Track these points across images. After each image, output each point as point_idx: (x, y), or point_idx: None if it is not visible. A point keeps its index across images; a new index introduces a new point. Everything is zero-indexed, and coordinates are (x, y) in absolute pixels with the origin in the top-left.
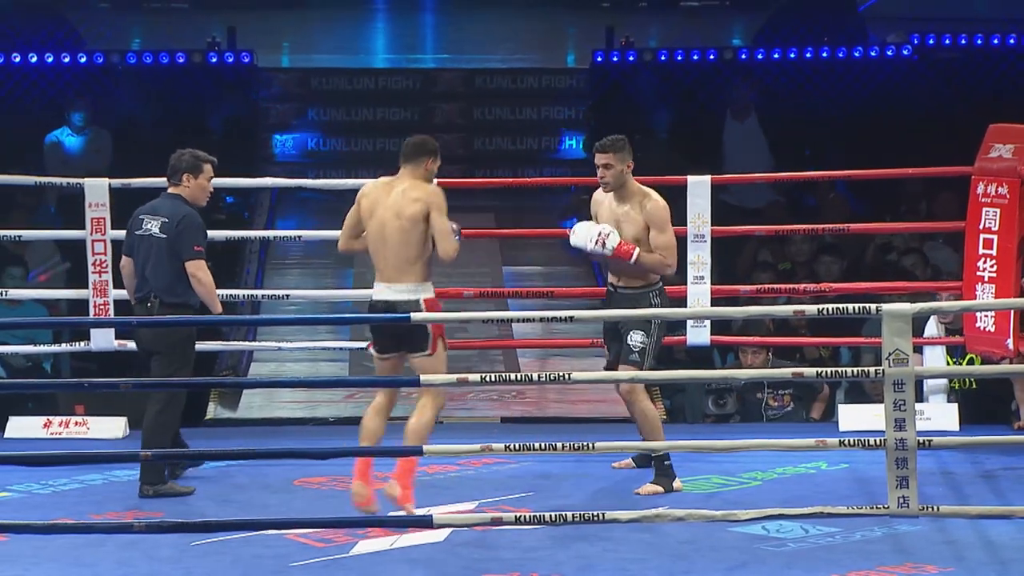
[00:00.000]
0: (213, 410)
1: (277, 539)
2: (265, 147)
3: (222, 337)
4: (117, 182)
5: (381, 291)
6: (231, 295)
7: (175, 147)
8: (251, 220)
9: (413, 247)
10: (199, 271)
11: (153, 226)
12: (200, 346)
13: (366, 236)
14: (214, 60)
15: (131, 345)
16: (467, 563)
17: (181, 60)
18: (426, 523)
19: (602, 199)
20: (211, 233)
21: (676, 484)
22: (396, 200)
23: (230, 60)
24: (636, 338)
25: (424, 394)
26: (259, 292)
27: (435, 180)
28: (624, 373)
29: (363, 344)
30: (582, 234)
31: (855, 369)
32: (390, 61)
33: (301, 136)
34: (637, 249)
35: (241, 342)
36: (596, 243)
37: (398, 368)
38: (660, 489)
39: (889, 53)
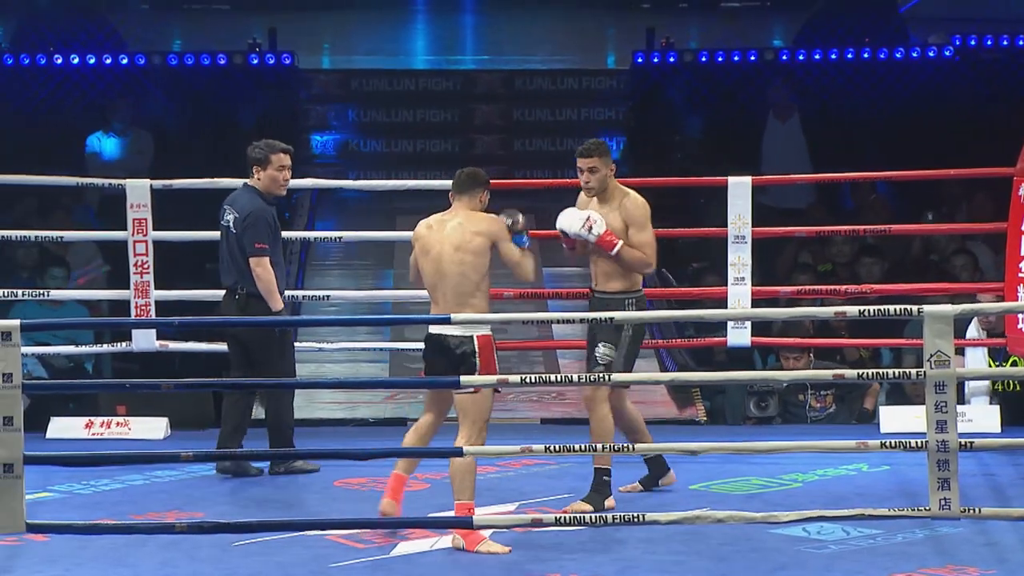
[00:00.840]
0: (255, 410)
1: (317, 540)
2: (305, 148)
3: None
4: (159, 183)
5: (438, 324)
6: None
7: (215, 148)
8: (291, 221)
9: (471, 281)
10: (258, 267)
11: (230, 219)
12: None
13: (422, 272)
14: (255, 61)
15: (172, 346)
16: (507, 564)
17: (222, 61)
18: (467, 524)
19: (584, 203)
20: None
21: (608, 502)
22: (455, 233)
23: (271, 61)
24: (601, 350)
25: (463, 426)
26: (300, 293)
27: (488, 198)
28: (664, 375)
29: (403, 344)
30: (569, 217)
31: (896, 371)
32: (430, 62)
33: (341, 137)
34: (620, 242)
35: None
36: (583, 227)
37: (447, 400)
38: (588, 507)
39: (930, 54)
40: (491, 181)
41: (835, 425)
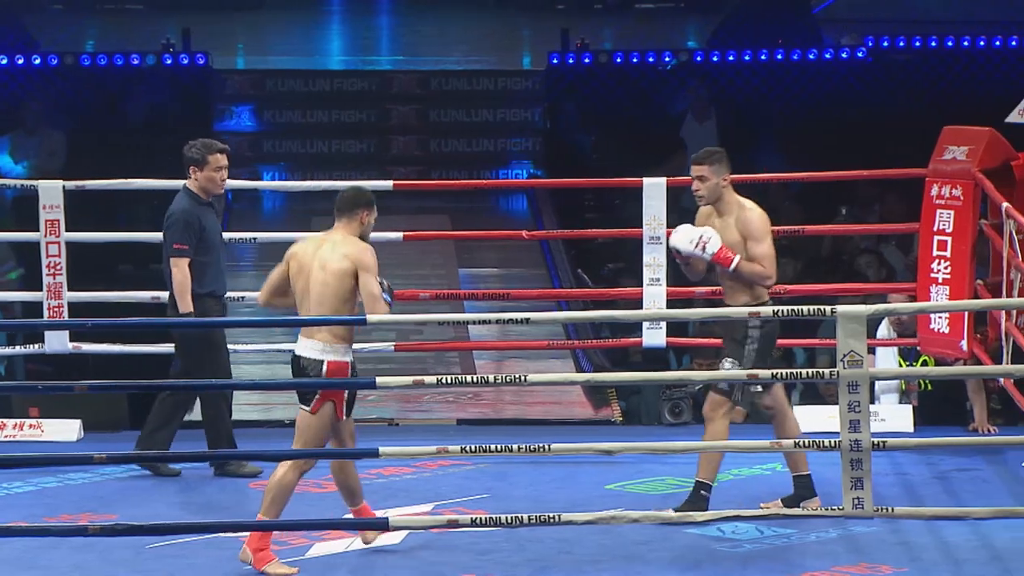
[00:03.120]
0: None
1: (233, 541)
2: None
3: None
4: (71, 184)
5: (298, 343)
6: None
7: (129, 148)
8: None
9: (329, 303)
10: (174, 267)
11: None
12: (153, 348)
13: (293, 288)
14: (168, 62)
15: (85, 347)
16: (423, 565)
17: (136, 62)
18: (382, 525)
19: (704, 214)
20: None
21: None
22: (325, 252)
23: (184, 62)
24: (726, 365)
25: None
26: None
27: (373, 218)
28: (580, 376)
29: None
30: (682, 235)
31: (810, 371)
32: (345, 63)
33: (256, 138)
34: (738, 256)
35: None
36: (696, 246)
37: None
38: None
39: (843, 55)
40: (408, 182)
41: (750, 425)
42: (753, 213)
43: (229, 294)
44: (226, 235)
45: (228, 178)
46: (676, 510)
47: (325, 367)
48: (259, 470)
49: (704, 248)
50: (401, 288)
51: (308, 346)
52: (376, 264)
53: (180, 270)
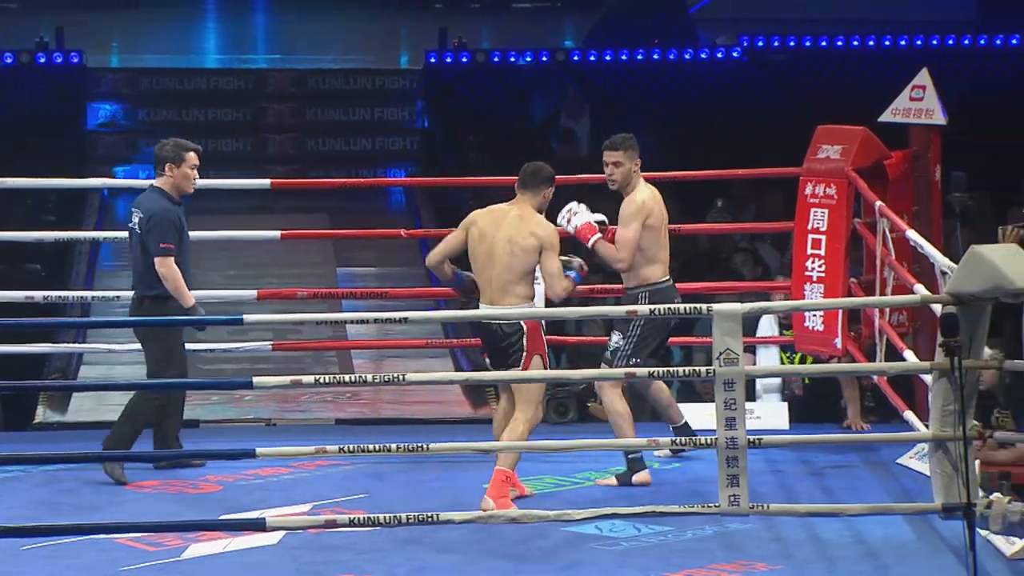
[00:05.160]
0: (42, 413)
1: (109, 543)
2: (94, 147)
3: (51, 339)
4: None
5: (485, 310)
6: (60, 296)
7: (5, 149)
8: (81, 221)
9: (517, 272)
10: (163, 267)
11: (136, 220)
12: (28, 348)
13: (472, 258)
14: (42, 60)
15: None
16: (301, 566)
17: (9, 60)
18: (259, 526)
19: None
20: (38, 234)
21: (640, 477)
22: (512, 226)
23: (58, 60)
24: (613, 338)
25: (519, 408)
26: (89, 294)
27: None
28: (459, 375)
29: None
30: (564, 210)
31: (686, 369)
32: (221, 61)
33: (131, 136)
34: (598, 235)
35: (71, 344)
36: (563, 219)
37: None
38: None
39: (719, 55)
40: (286, 181)
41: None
42: (632, 198)
43: (106, 293)
44: (101, 234)
45: (105, 177)
46: (619, 478)
47: (524, 326)
48: (127, 480)
49: (569, 221)
50: (278, 287)
51: (501, 309)
52: (559, 244)
53: (170, 268)
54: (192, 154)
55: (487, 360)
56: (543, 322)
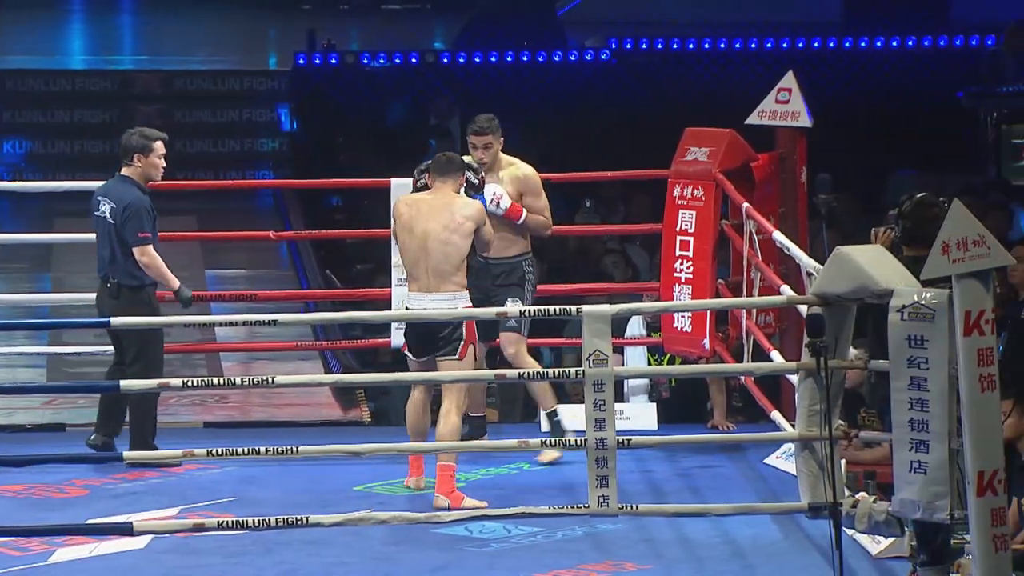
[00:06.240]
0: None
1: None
2: None
3: None
4: None
5: (419, 299)
6: None
7: None
8: None
9: (455, 261)
10: (144, 256)
11: (105, 209)
12: None
13: (402, 249)
14: None
15: None
16: (168, 570)
17: None
18: (126, 530)
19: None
20: None
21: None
22: (444, 215)
23: None
24: (511, 305)
25: (446, 398)
26: None
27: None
28: (328, 377)
29: (61, 349)
30: (486, 192)
31: (556, 370)
32: (87, 62)
33: None
34: (525, 211)
35: None
36: (491, 203)
37: (431, 370)
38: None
39: (588, 57)
40: (151, 183)
41: (498, 424)
42: (530, 170)
43: None
44: None
45: None
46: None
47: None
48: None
49: (498, 204)
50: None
51: (436, 299)
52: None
53: (151, 257)
54: (159, 143)
55: (408, 350)
56: None
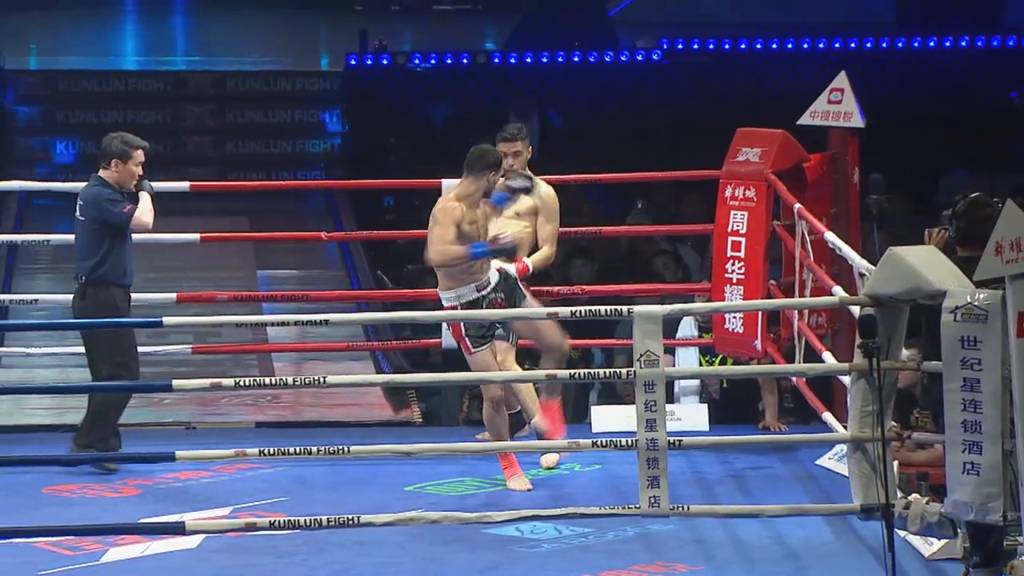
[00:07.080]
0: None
1: (26, 547)
2: (12, 149)
3: None
4: None
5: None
6: None
7: None
8: None
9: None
10: (136, 222)
11: (78, 209)
12: None
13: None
14: None
15: None
16: (220, 569)
17: None
18: (178, 530)
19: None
20: None
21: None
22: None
23: None
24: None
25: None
26: (7, 297)
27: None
28: (380, 377)
29: None
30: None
31: (607, 371)
32: (139, 63)
33: (49, 139)
34: (528, 261)
35: None
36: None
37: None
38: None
39: (639, 57)
40: (206, 183)
41: None
42: (552, 192)
43: (24, 296)
44: (20, 237)
45: (23, 179)
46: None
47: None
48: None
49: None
50: (198, 290)
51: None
52: (447, 217)
53: (141, 211)
54: (140, 152)
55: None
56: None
